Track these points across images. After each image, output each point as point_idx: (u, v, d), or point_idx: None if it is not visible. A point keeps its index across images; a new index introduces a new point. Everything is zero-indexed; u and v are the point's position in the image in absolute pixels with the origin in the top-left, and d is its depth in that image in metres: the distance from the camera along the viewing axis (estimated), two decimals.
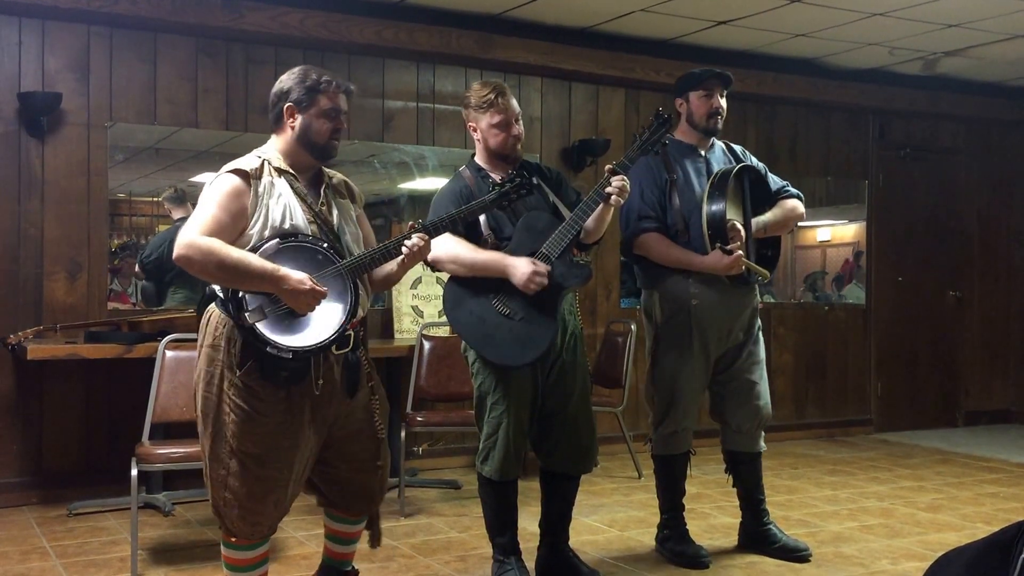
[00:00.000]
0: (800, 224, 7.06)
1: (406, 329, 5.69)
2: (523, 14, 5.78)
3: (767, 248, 4.03)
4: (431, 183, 5.95)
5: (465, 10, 5.69)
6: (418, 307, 5.76)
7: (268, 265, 2.65)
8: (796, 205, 4.04)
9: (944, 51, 6.65)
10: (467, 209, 3.07)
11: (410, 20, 5.64)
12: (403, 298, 5.74)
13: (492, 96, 3.42)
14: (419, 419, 4.87)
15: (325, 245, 2.76)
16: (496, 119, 3.42)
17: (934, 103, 7.50)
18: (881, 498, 5.19)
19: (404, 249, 2.83)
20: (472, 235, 3.40)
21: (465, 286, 3.39)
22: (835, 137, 7.42)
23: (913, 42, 6.39)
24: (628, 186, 3.39)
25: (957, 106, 7.60)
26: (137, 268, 5.40)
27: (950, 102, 7.55)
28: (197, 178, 5.53)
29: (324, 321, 2.73)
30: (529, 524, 3.89)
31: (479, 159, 3.54)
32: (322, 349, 2.73)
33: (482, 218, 3.40)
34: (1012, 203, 8.12)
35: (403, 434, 4.86)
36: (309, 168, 2.88)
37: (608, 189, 3.35)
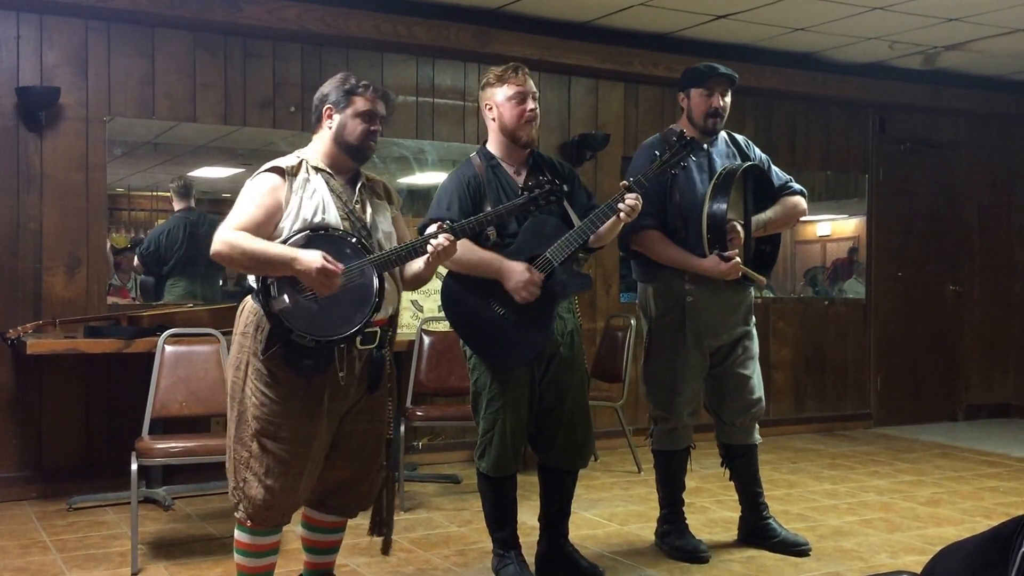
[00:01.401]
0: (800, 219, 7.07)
1: (406, 324, 5.68)
2: (522, 8, 5.77)
3: (766, 244, 4.03)
4: (430, 177, 5.95)
5: (464, 4, 5.68)
6: (418, 302, 5.76)
7: (284, 248, 2.74)
8: (798, 202, 4.03)
9: (944, 45, 6.64)
10: (495, 212, 3.09)
11: (408, 14, 5.63)
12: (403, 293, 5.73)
13: (511, 70, 3.46)
14: (419, 414, 4.87)
15: (354, 240, 2.81)
16: (512, 90, 3.43)
17: (934, 97, 7.48)
18: (881, 492, 5.20)
19: (429, 248, 2.87)
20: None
21: (463, 282, 3.39)
22: (835, 131, 7.41)
23: (913, 36, 6.38)
24: (640, 205, 3.39)
25: (957, 100, 7.59)
26: (135, 261, 5.40)
27: (950, 96, 7.54)
28: (196, 172, 5.52)
29: (348, 314, 2.78)
30: (529, 518, 3.89)
31: (491, 146, 3.52)
32: (344, 340, 2.78)
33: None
34: (1012, 197, 8.12)
35: (403, 429, 4.86)
36: (348, 170, 2.98)
37: (620, 206, 3.34)
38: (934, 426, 7.57)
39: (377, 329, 2.89)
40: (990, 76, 7.53)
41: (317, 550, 3.13)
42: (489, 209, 3.40)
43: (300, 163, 2.89)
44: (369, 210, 2.96)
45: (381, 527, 3.13)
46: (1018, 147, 8.06)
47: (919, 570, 1.82)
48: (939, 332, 7.84)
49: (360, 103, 2.92)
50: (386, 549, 3.17)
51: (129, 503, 3.93)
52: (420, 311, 5.72)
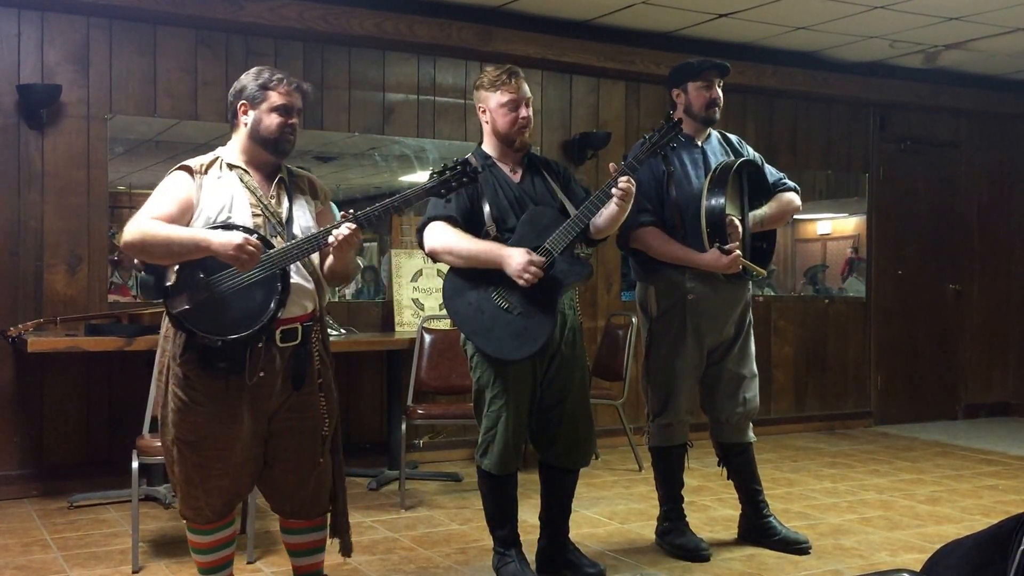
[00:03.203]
0: (800, 217, 7.09)
1: (407, 322, 5.69)
2: (523, 7, 5.77)
3: (762, 241, 4.03)
4: None
5: (465, 3, 5.68)
6: (419, 300, 5.77)
7: (197, 229, 2.72)
8: (792, 198, 4.04)
9: (945, 44, 6.64)
10: (401, 198, 2.96)
11: (410, 12, 5.63)
12: (404, 291, 5.75)
13: (504, 76, 3.43)
14: (420, 412, 4.87)
15: (255, 236, 2.74)
16: (506, 98, 3.41)
17: (935, 96, 7.49)
18: (880, 490, 5.20)
19: (331, 239, 2.79)
20: (474, 226, 3.40)
21: (465, 278, 3.39)
22: (835, 130, 7.41)
23: (914, 35, 6.38)
24: (634, 188, 3.39)
25: (958, 99, 7.60)
26: (136, 259, 5.41)
27: (951, 95, 7.54)
28: None
29: (252, 311, 2.74)
30: (529, 516, 3.90)
31: (487, 147, 3.53)
32: (250, 338, 2.73)
33: (486, 209, 3.39)
34: (1012, 196, 8.12)
35: (404, 427, 4.87)
36: (266, 164, 2.93)
37: (614, 190, 3.35)
38: (934, 424, 7.58)
39: (298, 325, 2.85)
40: (991, 75, 7.54)
41: (298, 552, 3.09)
42: (491, 209, 3.40)
43: (213, 161, 2.87)
44: (286, 204, 2.90)
45: (338, 528, 3.08)
46: (1018, 146, 8.06)
47: (919, 568, 1.83)
48: (939, 331, 7.85)
49: (275, 97, 2.87)
50: (345, 550, 3.11)
51: (130, 501, 3.94)
52: (421, 309, 5.73)
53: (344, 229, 2.79)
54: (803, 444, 6.69)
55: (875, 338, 7.56)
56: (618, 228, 3.75)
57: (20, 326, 4.66)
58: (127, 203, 5.47)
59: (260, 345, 2.77)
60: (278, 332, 2.80)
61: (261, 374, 2.78)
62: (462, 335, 3.50)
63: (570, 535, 3.66)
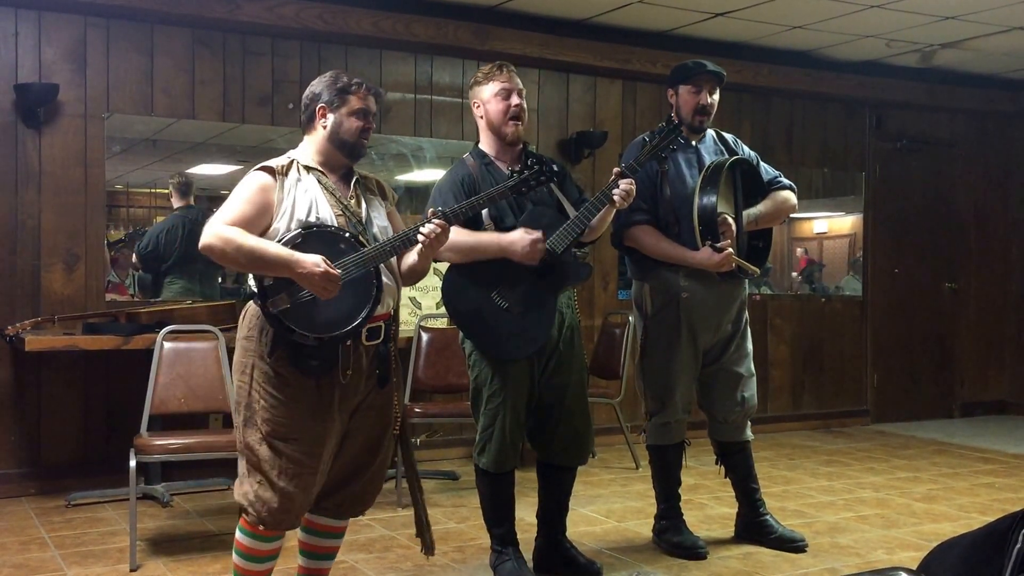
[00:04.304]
0: (796, 216, 7.09)
1: (404, 321, 5.68)
2: (520, 6, 5.78)
3: (758, 240, 4.04)
4: (429, 175, 5.96)
5: (462, 2, 5.69)
6: (416, 298, 5.77)
7: (283, 250, 2.73)
8: (788, 197, 4.04)
9: (941, 43, 6.66)
10: (486, 195, 3.08)
11: (407, 11, 5.64)
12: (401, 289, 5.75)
13: (496, 68, 3.47)
14: (417, 410, 4.88)
15: (347, 235, 2.80)
16: (498, 87, 3.44)
17: (931, 95, 7.50)
18: (877, 489, 5.22)
19: (420, 237, 2.85)
20: (473, 223, 3.40)
21: (465, 277, 3.40)
22: (831, 129, 7.43)
23: (910, 34, 6.40)
24: (634, 190, 3.41)
25: (954, 98, 7.61)
26: (134, 258, 5.41)
27: (947, 94, 7.56)
28: (194, 169, 5.53)
29: (349, 309, 2.78)
30: (527, 515, 3.90)
31: (484, 145, 3.54)
32: (346, 336, 2.77)
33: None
34: (1008, 195, 8.14)
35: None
36: (340, 167, 2.97)
37: (615, 192, 3.36)
38: (930, 423, 7.59)
39: (381, 324, 2.89)
40: (986, 74, 7.55)
41: (314, 555, 3.10)
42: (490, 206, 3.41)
43: (291, 163, 2.90)
44: (364, 205, 2.96)
45: (419, 526, 3.15)
46: (1014, 145, 8.08)
47: (915, 566, 1.84)
48: (935, 329, 7.87)
49: (354, 101, 2.91)
50: (427, 549, 3.16)
51: (128, 499, 3.94)
52: (418, 308, 5.73)
53: (434, 226, 2.84)
54: (799, 442, 6.70)
55: (871, 336, 7.58)
56: (612, 226, 3.76)
57: (18, 325, 4.65)
58: (124, 202, 5.48)
59: (348, 343, 2.80)
60: (364, 330, 2.83)
61: (349, 372, 2.81)
62: (460, 333, 3.51)
63: (567, 533, 3.67)
